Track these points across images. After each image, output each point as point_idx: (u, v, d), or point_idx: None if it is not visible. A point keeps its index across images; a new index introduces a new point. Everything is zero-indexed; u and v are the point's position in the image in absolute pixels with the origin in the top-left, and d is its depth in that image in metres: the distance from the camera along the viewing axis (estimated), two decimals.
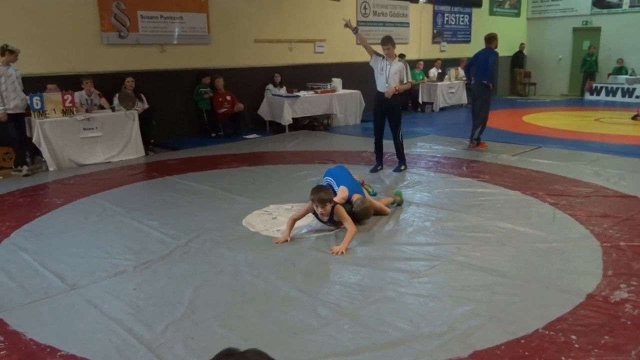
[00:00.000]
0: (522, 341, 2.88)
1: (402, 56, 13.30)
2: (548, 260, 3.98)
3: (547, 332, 2.96)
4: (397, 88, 6.47)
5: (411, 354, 2.79)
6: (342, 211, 4.54)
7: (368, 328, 3.06)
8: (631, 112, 11.31)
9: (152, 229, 4.81)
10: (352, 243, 4.35)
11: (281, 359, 2.77)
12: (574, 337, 2.91)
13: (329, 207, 4.47)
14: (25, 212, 5.42)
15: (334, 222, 4.65)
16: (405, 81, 6.57)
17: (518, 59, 17.34)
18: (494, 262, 3.96)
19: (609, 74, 15.73)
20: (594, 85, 15.55)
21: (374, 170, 6.84)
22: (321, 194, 4.44)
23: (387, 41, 6.48)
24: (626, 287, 3.50)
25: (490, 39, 7.98)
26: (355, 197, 4.91)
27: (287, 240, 4.46)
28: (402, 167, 6.83)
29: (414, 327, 3.07)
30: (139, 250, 4.33)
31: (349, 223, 4.47)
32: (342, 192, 4.89)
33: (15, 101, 6.98)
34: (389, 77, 6.49)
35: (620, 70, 15.79)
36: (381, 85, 6.62)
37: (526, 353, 2.77)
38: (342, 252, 4.17)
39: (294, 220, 4.61)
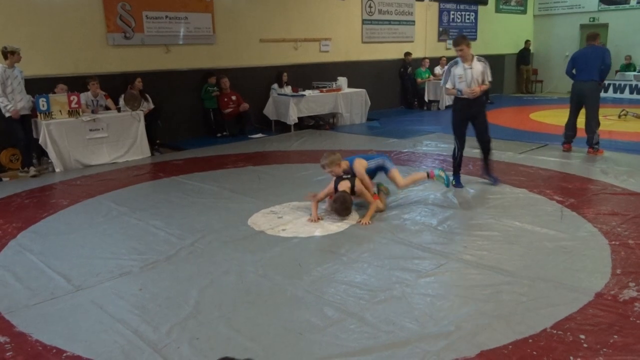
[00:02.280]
0: (530, 341, 2.86)
1: (407, 54, 13.38)
2: (556, 258, 3.95)
3: (555, 332, 2.93)
4: (481, 87, 5.77)
5: (418, 354, 2.77)
6: (361, 189, 4.99)
7: (374, 328, 3.04)
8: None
9: (158, 229, 4.81)
10: (358, 244, 4.37)
11: (287, 359, 2.78)
12: (582, 336, 2.88)
13: (336, 169, 5.07)
14: (32, 213, 5.44)
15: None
16: (487, 81, 5.84)
17: (524, 56, 17.23)
18: (501, 261, 3.93)
19: (617, 71, 15.60)
20: None
21: (460, 185, 6.02)
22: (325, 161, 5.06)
23: (460, 41, 5.72)
24: (635, 285, 3.46)
25: (595, 36, 7.74)
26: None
27: (319, 219, 4.93)
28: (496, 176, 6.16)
29: (420, 326, 3.04)
30: (144, 250, 4.33)
31: (369, 200, 4.99)
32: (359, 164, 5.20)
33: (22, 102, 7.02)
34: (471, 83, 5.74)
35: (628, 67, 15.68)
36: (464, 92, 5.84)
37: (534, 353, 2.75)
38: (367, 223, 4.76)
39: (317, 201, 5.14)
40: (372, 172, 5.31)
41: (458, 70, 5.80)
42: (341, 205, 4.92)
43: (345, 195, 4.97)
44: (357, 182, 5.03)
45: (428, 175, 5.25)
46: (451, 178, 5.24)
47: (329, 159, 5.07)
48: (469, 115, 5.92)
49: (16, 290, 3.67)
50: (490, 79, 5.84)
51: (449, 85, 5.92)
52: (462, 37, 5.85)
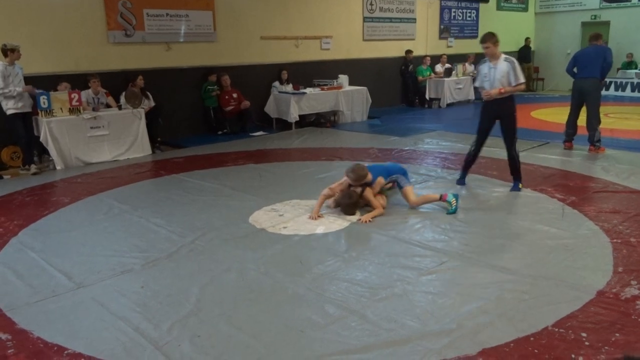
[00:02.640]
0: (532, 339, 2.85)
1: (409, 52, 13.34)
2: (557, 256, 3.94)
3: (556, 330, 2.93)
4: (501, 90, 5.45)
5: (419, 352, 2.76)
6: (369, 196, 5.04)
7: (375, 326, 3.04)
8: None
9: (159, 227, 4.81)
10: (359, 242, 4.37)
11: (288, 357, 2.78)
12: (584, 334, 2.88)
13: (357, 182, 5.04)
14: (33, 210, 5.44)
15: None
16: (514, 83, 5.45)
17: (525, 54, 17.19)
18: (502, 259, 3.93)
19: (618, 69, 15.57)
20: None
21: (462, 183, 6.01)
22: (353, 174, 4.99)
23: (485, 38, 5.47)
24: (637, 283, 3.46)
25: (598, 36, 7.82)
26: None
27: (319, 217, 4.96)
28: (520, 185, 5.75)
29: (422, 324, 3.04)
30: (145, 248, 4.33)
31: (374, 206, 5.00)
32: (378, 183, 5.16)
33: (22, 100, 7.01)
34: (494, 83, 5.50)
35: (629, 64, 15.65)
36: (481, 92, 5.74)
37: (535, 351, 2.74)
38: (368, 221, 4.78)
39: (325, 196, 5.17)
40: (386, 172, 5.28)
41: (484, 68, 5.62)
42: (348, 200, 4.99)
43: (353, 193, 5.01)
44: (367, 191, 5.05)
45: (440, 198, 5.10)
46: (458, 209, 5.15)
47: (358, 174, 4.96)
48: (493, 115, 5.70)
49: (17, 288, 3.67)
50: (520, 80, 5.45)
51: (477, 84, 5.79)
52: (490, 34, 5.53)
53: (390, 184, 5.28)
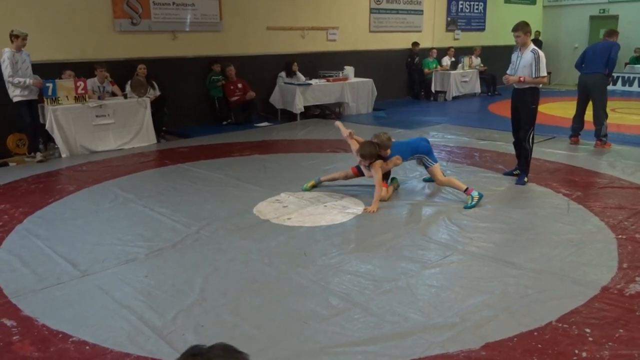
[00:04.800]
0: (535, 333, 2.85)
1: (415, 44, 13.27)
2: (562, 252, 3.93)
3: (560, 325, 2.93)
4: (520, 78, 5.57)
5: (422, 345, 2.77)
6: (377, 167, 5.12)
7: (379, 318, 3.04)
8: None
9: (164, 217, 4.82)
10: (363, 234, 4.36)
11: (291, 348, 2.79)
12: (587, 330, 2.88)
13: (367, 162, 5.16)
14: (38, 198, 5.46)
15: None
16: (534, 75, 5.52)
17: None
18: (506, 253, 3.92)
19: (626, 64, 15.45)
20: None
21: (509, 173, 6.04)
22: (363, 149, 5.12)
23: (517, 27, 5.59)
24: None
25: (612, 33, 7.80)
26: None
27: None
28: (525, 179, 5.74)
29: (425, 317, 3.04)
30: (150, 237, 4.34)
31: (377, 183, 5.04)
32: (392, 161, 5.30)
33: (29, 87, 7.01)
34: (517, 71, 5.64)
35: (637, 59, 15.50)
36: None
37: (539, 346, 2.74)
38: (373, 211, 4.84)
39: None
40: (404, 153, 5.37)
41: (514, 56, 5.78)
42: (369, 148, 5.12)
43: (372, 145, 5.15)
44: (377, 164, 5.13)
45: (466, 190, 5.04)
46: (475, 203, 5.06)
47: (382, 140, 5.15)
48: (514, 104, 5.89)
49: (23, 275, 3.69)
50: (540, 73, 5.52)
51: (507, 71, 5.86)
52: (523, 23, 5.65)
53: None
